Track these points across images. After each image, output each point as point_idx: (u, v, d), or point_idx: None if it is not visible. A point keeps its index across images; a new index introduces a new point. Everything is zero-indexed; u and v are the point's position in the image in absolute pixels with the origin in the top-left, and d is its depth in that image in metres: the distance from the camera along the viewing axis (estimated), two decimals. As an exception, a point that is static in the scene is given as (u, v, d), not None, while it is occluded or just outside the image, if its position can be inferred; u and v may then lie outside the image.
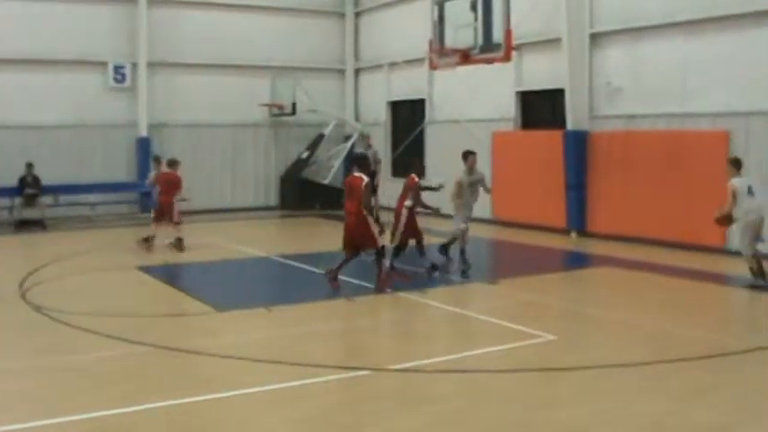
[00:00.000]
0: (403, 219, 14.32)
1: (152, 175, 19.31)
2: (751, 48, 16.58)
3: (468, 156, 15.48)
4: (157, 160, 19.57)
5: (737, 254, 14.21)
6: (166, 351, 9.65)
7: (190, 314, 11.94)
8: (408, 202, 14.26)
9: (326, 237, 18.74)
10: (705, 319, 11.49)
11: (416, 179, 14.58)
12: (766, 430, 7.39)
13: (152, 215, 18.63)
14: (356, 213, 13.11)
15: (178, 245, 17.96)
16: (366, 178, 13.17)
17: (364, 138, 26.78)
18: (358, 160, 14.17)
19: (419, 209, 14.52)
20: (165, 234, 18.01)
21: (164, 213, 18.14)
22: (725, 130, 16.94)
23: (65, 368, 9.05)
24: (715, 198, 14.35)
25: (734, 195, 13.28)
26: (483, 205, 23.00)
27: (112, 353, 9.55)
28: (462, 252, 15.23)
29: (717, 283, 14.34)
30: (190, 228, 19.32)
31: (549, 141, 20.52)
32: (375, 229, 13.20)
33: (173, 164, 18.51)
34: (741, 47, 16.79)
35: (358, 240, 13.30)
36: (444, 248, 15.83)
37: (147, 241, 17.89)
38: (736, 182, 13.41)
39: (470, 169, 15.43)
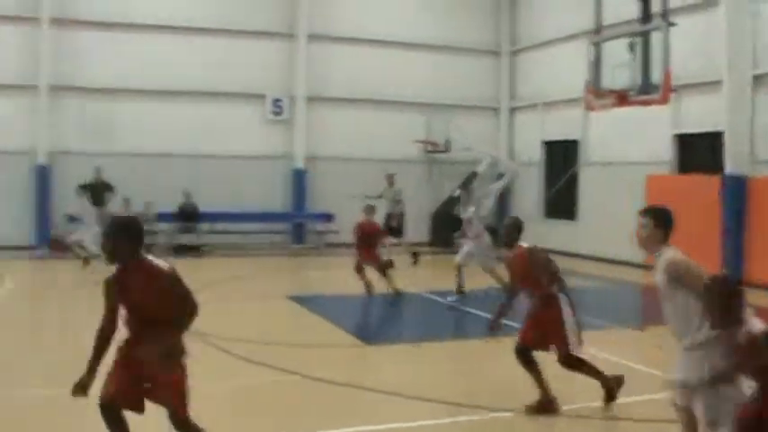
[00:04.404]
0: None
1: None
2: None
3: None
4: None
5: None
6: (316, 382, 9.85)
7: (338, 345, 12.15)
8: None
9: (479, 275, 18.70)
10: None
11: None
12: None
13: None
14: None
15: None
16: None
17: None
18: None
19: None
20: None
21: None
22: None
23: (213, 395, 9.19)
24: None
25: None
26: (633, 250, 22.59)
27: (263, 380, 9.81)
28: None
29: None
30: (341, 261, 19.59)
31: (705, 186, 19.88)
32: None
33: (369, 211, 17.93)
34: None
35: None
36: None
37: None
38: None
39: None
